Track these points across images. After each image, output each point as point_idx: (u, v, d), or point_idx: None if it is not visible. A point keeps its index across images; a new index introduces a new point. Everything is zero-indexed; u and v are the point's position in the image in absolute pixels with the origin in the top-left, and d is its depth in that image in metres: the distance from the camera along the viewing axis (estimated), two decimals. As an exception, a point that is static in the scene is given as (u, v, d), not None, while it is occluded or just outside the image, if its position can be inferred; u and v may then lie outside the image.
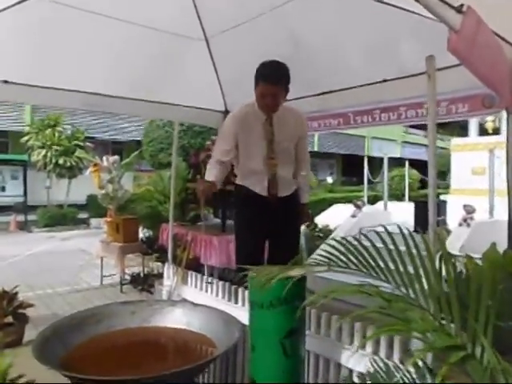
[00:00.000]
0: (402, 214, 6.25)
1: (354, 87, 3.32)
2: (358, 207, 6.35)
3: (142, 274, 5.54)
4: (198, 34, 3.59)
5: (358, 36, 2.97)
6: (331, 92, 3.51)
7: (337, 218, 7.32)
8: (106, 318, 2.39)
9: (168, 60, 3.56)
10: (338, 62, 3.24)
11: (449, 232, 5.11)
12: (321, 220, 7.39)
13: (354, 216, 6.25)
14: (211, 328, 2.26)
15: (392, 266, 1.28)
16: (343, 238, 1.51)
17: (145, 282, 5.30)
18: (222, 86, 4.15)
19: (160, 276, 3.73)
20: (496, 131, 7.91)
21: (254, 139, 2.91)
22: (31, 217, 12.62)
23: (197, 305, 2.46)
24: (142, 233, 6.25)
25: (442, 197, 7.40)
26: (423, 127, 23.97)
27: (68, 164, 12.66)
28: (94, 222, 12.64)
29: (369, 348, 1.85)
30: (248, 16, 3.16)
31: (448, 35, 1.41)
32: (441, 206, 5.81)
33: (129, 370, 2.06)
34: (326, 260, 1.47)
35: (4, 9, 2.33)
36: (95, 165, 7.08)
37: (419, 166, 19.56)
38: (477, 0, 1.44)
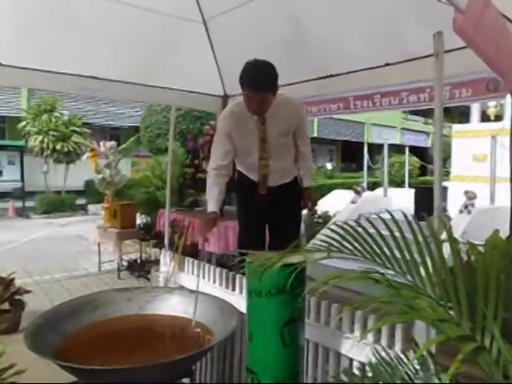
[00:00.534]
0: (402, 200, 6.18)
1: (355, 71, 3.23)
2: (358, 193, 6.30)
3: (139, 261, 5.52)
4: (195, 16, 3.49)
5: (358, 18, 2.86)
6: (331, 76, 3.42)
7: (336, 204, 7.26)
8: (102, 305, 2.36)
9: (166, 43, 3.46)
10: (338, 46, 3.14)
11: (449, 219, 5.07)
12: (320, 206, 7.33)
13: (353, 202, 6.21)
14: (208, 316, 2.22)
15: (397, 253, 1.23)
16: (345, 222, 1.45)
17: (142, 269, 5.29)
18: (221, 70, 4.06)
19: (157, 262, 3.69)
20: (498, 118, 7.81)
21: (247, 138, 2.80)
22: (29, 203, 12.59)
23: (194, 292, 2.42)
24: (140, 219, 6.21)
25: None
26: (423, 113, 23.94)
27: (65, 149, 12.61)
28: (91, 208, 12.64)
29: (370, 337, 1.82)
30: (247, -3, 3.06)
31: (453, 15, 1.35)
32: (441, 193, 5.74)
33: (125, 359, 2.03)
34: (326, 245, 1.42)
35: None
36: (92, 150, 7.01)
37: (418, 152, 19.56)
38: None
